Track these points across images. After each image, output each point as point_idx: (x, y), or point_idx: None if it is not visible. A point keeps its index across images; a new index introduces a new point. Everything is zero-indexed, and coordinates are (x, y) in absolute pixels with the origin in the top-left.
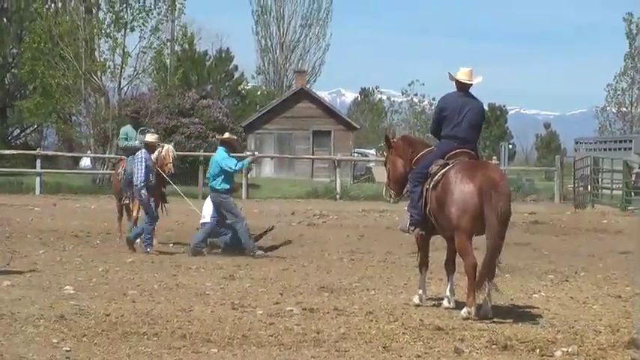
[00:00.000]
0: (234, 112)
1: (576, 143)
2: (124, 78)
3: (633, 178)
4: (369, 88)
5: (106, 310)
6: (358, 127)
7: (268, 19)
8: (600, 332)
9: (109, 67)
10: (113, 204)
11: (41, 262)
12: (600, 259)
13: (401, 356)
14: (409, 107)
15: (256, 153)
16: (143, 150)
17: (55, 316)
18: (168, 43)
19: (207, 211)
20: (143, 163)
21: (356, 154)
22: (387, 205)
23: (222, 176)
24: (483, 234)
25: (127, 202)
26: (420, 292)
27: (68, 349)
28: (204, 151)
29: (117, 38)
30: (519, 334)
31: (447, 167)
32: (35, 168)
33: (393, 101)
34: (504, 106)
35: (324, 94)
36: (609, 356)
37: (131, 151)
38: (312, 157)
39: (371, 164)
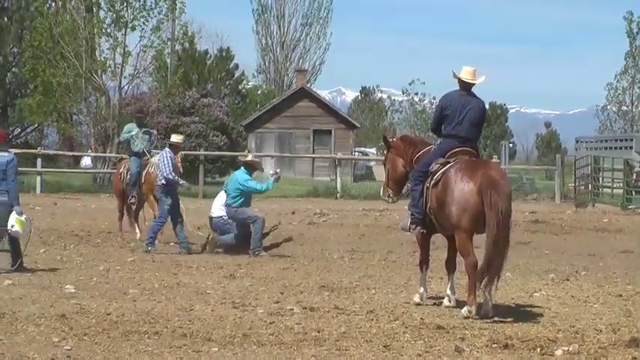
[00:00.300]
0: (235, 111)
1: (577, 142)
2: (124, 77)
3: (634, 177)
4: (369, 87)
5: (107, 309)
6: (359, 125)
7: (269, 18)
8: (601, 331)
9: (110, 66)
10: (114, 203)
11: (42, 261)
12: (601, 258)
13: (402, 355)
14: (410, 106)
15: (278, 171)
16: (167, 149)
17: (56, 315)
18: (169, 42)
19: (216, 206)
20: (169, 161)
21: (356, 153)
22: (388, 204)
23: (243, 199)
24: (484, 233)
25: (133, 201)
26: (421, 290)
27: (69, 347)
28: (205, 150)
29: (117, 37)
30: (520, 333)
31: (448, 166)
32: (36, 167)
33: (394, 100)
34: (505, 105)
35: (324, 93)
36: (610, 355)
37: (134, 152)
38: (312, 155)
39: (371, 163)
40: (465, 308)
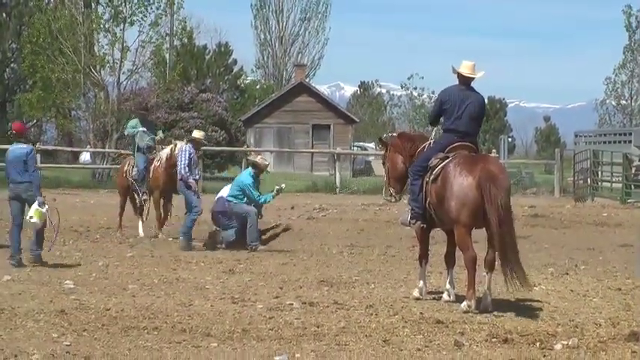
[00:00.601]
0: (234, 106)
1: (576, 136)
2: (123, 72)
3: (633, 171)
4: (368, 81)
5: (106, 304)
6: (357, 120)
7: (267, 13)
8: (600, 325)
9: (108, 62)
10: (113, 199)
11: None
12: (600, 252)
13: (401, 350)
14: (408, 101)
15: (283, 186)
16: (188, 145)
17: (56, 311)
18: (168, 38)
19: (218, 201)
20: (187, 155)
21: (355, 148)
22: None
23: (245, 199)
24: (483, 227)
25: (146, 198)
26: (420, 285)
27: (68, 343)
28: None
29: (116, 33)
30: (519, 327)
31: (447, 161)
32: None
33: (393, 95)
34: (504, 100)
35: (323, 88)
36: (610, 349)
37: (139, 148)
38: (311, 150)
39: (370, 158)
40: (465, 303)
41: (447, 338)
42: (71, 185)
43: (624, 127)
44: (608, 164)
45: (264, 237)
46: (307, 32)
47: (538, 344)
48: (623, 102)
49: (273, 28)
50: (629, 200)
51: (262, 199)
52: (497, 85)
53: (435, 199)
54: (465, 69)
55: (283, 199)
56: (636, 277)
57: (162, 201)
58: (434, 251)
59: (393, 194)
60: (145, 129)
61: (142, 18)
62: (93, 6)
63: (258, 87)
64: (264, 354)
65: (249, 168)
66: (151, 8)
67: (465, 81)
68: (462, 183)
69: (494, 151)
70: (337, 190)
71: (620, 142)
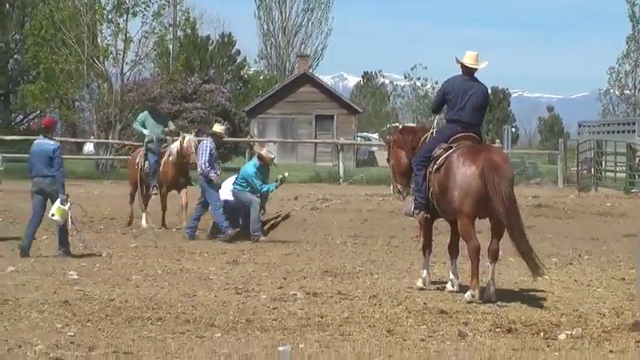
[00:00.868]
0: (237, 96)
1: (579, 126)
2: (126, 63)
3: (637, 161)
4: (371, 72)
5: (110, 295)
6: (361, 111)
7: (270, 4)
8: (604, 315)
9: (112, 53)
10: (117, 189)
11: (45, 248)
12: (604, 242)
13: (405, 340)
14: (412, 91)
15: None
16: (209, 139)
17: (60, 302)
18: (171, 28)
19: (225, 190)
20: (207, 151)
21: (359, 138)
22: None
23: (249, 188)
24: (486, 217)
25: (156, 192)
26: (424, 275)
27: (72, 334)
28: (207, 136)
29: (119, 23)
30: (523, 317)
31: (450, 151)
32: None
33: (396, 85)
34: (507, 90)
35: (326, 79)
36: (613, 339)
37: (149, 141)
38: (314, 141)
39: (374, 148)
40: (468, 293)
41: (451, 328)
42: (75, 176)
43: (628, 117)
44: (611, 154)
45: (265, 227)
46: (310, 23)
47: (542, 334)
48: (627, 92)
49: (276, 19)
50: (632, 190)
51: (265, 189)
52: (501, 75)
53: (439, 189)
54: (468, 59)
55: (287, 189)
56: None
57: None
58: (437, 241)
59: (401, 190)
60: (154, 121)
61: (144, 9)
62: None
63: (261, 78)
64: (268, 344)
65: (255, 159)
66: None
67: (468, 71)
68: (465, 173)
69: (497, 141)
70: (341, 180)
71: (623, 131)
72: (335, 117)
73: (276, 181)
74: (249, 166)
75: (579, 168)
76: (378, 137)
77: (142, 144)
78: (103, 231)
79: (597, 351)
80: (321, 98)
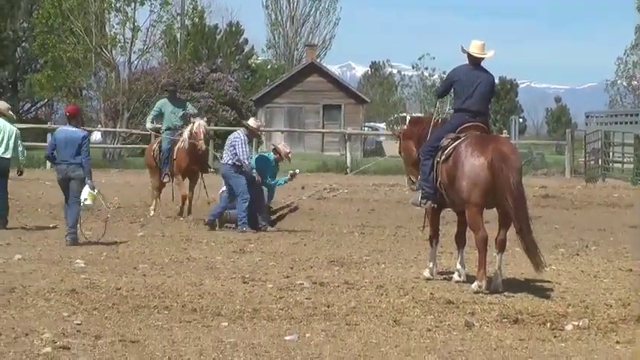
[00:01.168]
0: (244, 86)
1: (587, 117)
2: (134, 52)
3: None
4: (379, 61)
5: (117, 283)
6: (368, 100)
7: None
8: (611, 306)
9: (119, 41)
10: (124, 178)
11: (52, 236)
12: (611, 232)
13: (411, 330)
14: (420, 81)
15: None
16: (243, 131)
17: (66, 290)
18: (178, 17)
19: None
20: (245, 144)
21: (366, 128)
22: (398, 179)
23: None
24: (494, 207)
25: (167, 179)
26: (431, 265)
27: (79, 322)
28: (215, 125)
29: (127, 12)
30: (530, 307)
31: (458, 141)
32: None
33: (404, 75)
34: (515, 80)
35: (334, 68)
36: (620, 330)
37: (166, 128)
38: (322, 130)
39: (381, 138)
40: (475, 283)
41: (458, 318)
42: None
43: (635, 108)
44: (619, 145)
45: (272, 217)
46: (318, 12)
47: (549, 325)
48: (635, 83)
49: (284, 8)
50: None
51: (273, 181)
52: (508, 65)
53: (446, 179)
54: (474, 49)
55: (294, 179)
56: None
57: (184, 183)
58: (444, 231)
59: (415, 181)
60: (173, 106)
61: None
62: None
63: (269, 67)
64: (275, 333)
65: (271, 153)
66: None
67: (475, 61)
68: (473, 163)
69: (505, 131)
70: (348, 170)
71: (631, 122)
72: (342, 107)
73: (287, 176)
74: (264, 158)
75: (587, 159)
76: (385, 127)
77: (148, 132)
78: (110, 219)
79: (604, 342)
80: (329, 88)
